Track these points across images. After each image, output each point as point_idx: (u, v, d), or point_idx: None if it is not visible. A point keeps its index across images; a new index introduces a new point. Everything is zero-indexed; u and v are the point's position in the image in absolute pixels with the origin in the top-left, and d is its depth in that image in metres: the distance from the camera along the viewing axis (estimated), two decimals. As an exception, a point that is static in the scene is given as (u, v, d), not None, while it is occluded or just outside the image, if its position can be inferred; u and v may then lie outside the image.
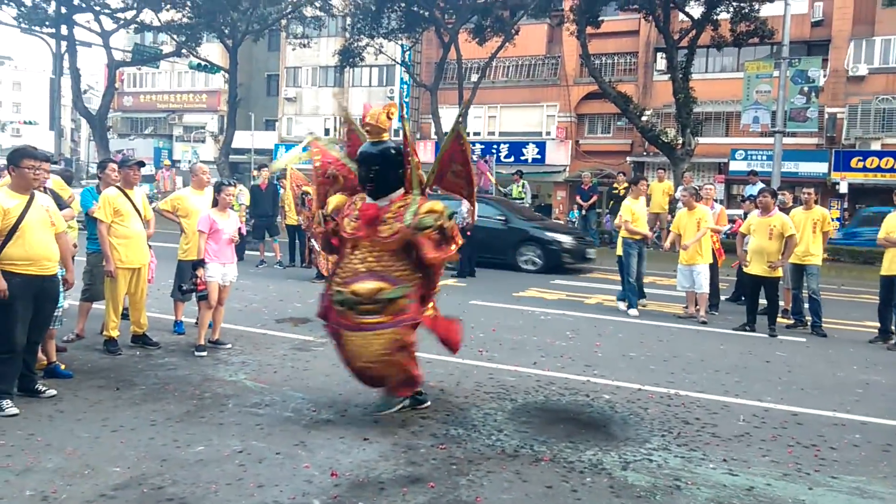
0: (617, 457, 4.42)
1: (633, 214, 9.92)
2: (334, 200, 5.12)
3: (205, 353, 6.58)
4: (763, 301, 8.85)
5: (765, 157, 24.33)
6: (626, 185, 18.41)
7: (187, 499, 3.63)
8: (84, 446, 4.26)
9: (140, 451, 4.20)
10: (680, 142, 19.80)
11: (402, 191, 4.98)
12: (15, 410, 4.83)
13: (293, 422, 4.87)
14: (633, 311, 9.67)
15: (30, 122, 49.98)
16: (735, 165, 25.96)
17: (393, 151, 4.94)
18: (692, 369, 6.81)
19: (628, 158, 29.01)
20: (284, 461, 4.17)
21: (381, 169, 4.88)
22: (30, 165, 4.98)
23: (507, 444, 4.55)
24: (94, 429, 4.56)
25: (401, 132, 5.11)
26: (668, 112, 25.43)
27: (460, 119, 5.25)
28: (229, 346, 6.93)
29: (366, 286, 4.74)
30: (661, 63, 27.02)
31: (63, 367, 5.79)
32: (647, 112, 24.67)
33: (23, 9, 24.95)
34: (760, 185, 12.25)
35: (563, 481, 4.01)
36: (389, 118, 4.94)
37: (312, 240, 11.98)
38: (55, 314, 5.53)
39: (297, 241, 13.55)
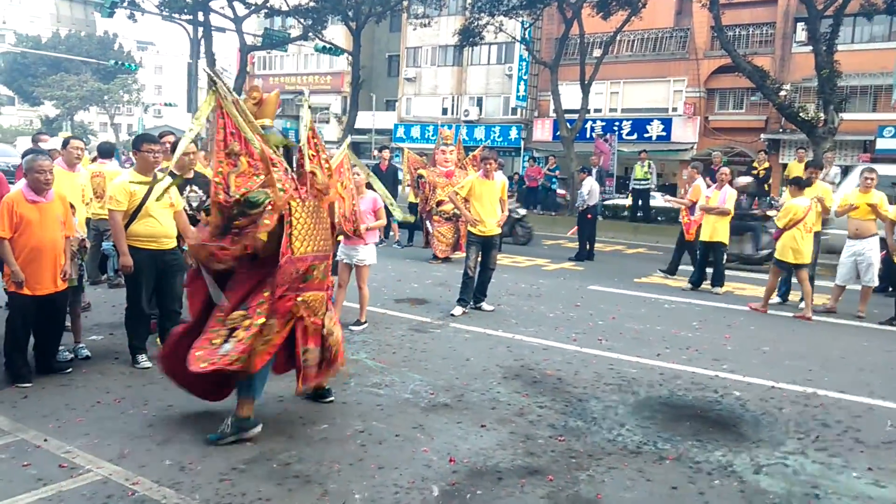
0: (748, 459, 4.18)
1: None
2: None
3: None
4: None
5: (917, 135, 22.25)
6: (766, 165, 17.25)
7: (312, 476, 3.74)
8: (217, 420, 4.45)
9: (268, 427, 4.35)
10: (822, 119, 18.38)
11: None
12: (149, 364, 5.46)
13: (412, 404, 4.92)
14: (774, 299, 9.13)
15: (169, 104, 53.23)
16: (882, 143, 23.83)
17: None
18: (832, 367, 6.34)
19: (763, 136, 27.27)
20: (404, 444, 4.22)
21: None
22: (149, 149, 5.51)
23: (629, 440, 4.40)
24: (226, 402, 4.77)
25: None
26: (808, 86, 23.66)
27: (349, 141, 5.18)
28: (366, 323, 7.08)
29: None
30: (801, 34, 25.10)
31: None
32: (786, 87, 23.04)
33: (164, -3, 26.69)
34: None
35: (690, 482, 3.83)
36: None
37: (427, 221, 12.09)
38: None
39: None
